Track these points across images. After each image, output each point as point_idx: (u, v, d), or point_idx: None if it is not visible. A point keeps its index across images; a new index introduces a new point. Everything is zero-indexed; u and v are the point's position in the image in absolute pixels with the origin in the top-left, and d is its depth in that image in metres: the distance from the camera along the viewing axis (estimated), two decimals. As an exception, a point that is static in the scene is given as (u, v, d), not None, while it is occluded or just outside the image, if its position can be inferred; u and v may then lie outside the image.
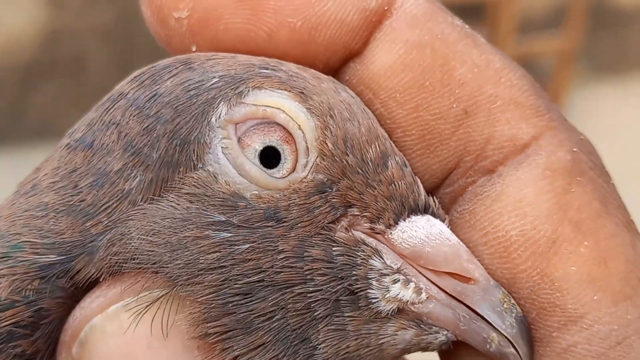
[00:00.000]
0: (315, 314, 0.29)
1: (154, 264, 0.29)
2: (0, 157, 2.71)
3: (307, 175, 0.30)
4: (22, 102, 2.87)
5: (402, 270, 0.30)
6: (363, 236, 0.30)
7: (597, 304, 0.29)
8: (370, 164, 0.31)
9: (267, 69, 0.31)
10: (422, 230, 0.31)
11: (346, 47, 0.32)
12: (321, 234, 0.30)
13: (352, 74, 0.33)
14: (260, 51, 0.32)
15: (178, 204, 0.29)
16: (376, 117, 0.32)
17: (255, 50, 0.32)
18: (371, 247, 0.30)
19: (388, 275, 0.30)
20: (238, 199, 0.29)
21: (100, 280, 0.30)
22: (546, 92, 0.32)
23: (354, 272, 0.30)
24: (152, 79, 0.31)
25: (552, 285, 0.29)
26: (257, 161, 0.30)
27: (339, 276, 0.30)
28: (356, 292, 0.30)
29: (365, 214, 0.31)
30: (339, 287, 0.30)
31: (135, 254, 0.29)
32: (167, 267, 0.29)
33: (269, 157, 0.30)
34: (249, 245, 0.29)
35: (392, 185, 0.31)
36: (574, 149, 0.31)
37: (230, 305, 0.29)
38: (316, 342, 0.30)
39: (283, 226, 0.29)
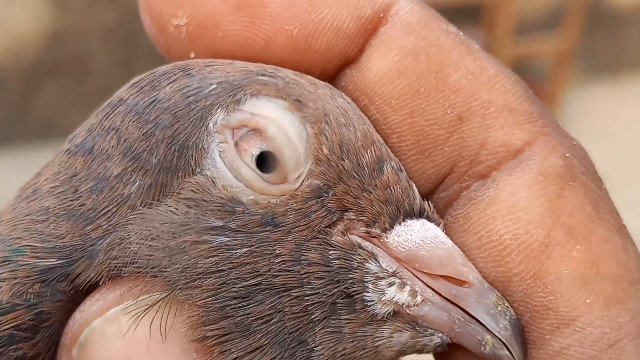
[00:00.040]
0: (312, 316, 0.30)
1: (153, 268, 0.29)
2: (4, 157, 2.70)
3: (300, 185, 0.30)
4: (25, 102, 2.86)
5: (398, 273, 0.30)
6: (359, 240, 0.31)
7: (589, 307, 0.29)
8: (366, 168, 0.31)
9: (264, 75, 0.31)
10: (417, 234, 0.31)
11: (342, 54, 0.32)
12: (318, 238, 0.30)
13: (348, 80, 0.33)
14: (258, 58, 0.32)
15: (177, 209, 0.30)
16: (372, 123, 0.32)
17: (253, 56, 0.32)
18: (367, 250, 0.31)
19: (384, 278, 0.30)
20: (236, 204, 0.30)
21: (100, 283, 0.30)
22: (543, 93, 0.33)
23: (350, 276, 0.30)
24: (151, 85, 0.31)
25: (545, 289, 0.29)
26: (253, 165, 0.30)
27: (336, 279, 0.30)
28: (352, 295, 0.30)
29: (361, 218, 0.31)
30: (335, 290, 0.30)
31: (135, 258, 0.29)
32: (166, 271, 0.29)
33: (267, 162, 0.30)
34: (246, 249, 0.29)
35: (388, 189, 0.31)
36: (567, 155, 0.31)
37: (228, 308, 0.29)
38: (313, 345, 0.30)
39: (280, 230, 0.30)
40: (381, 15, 0.32)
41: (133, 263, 0.29)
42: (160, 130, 0.30)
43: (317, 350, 0.30)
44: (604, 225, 0.30)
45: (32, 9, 2.80)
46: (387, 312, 0.30)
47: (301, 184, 0.30)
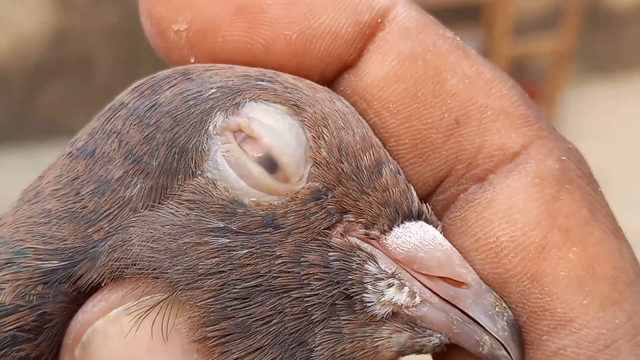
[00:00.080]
0: (312, 317, 0.30)
1: (154, 269, 0.29)
2: (8, 156, 2.70)
3: (301, 187, 0.30)
4: (29, 101, 2.86)
5: (397, 274, 0.31)
6: (358, 242, 0.31)
7: (585, 308, 0.29)
8: (365, 171, 0.31)
9: (263, 80, 0.31)
10: (415, 236, 0.31)
11: (340, 59, 0.33)
12: (317, 240, 0.30)
13: (347, 84, 0.33)
14: (257, 62, 0.33)
15: (177, 211, 0.30)
16: (370, 127, 0.32)
17: (252, 61, 0.33)
18: (366, 252, 0.31)
19: (383, 279, 0.31)
20: (237, 206, 0.30)
21: (102, 285, 0.30)
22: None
23: (349, 277, 0.30)
24: (152, 89, 0.32)
25: (542, 290, 0.30)
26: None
27: (335, 281, 0.30)
28: (352, 296, 0.30)
29: (360, 220, 0.31)
30: (335, 291, 0.30)
31: (136, 260, 0.29)
32: (167, 272, 0.29)
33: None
34: (247, 250, 0.29)
35: (387, 192, 0.31)
36: (563, 158, 0.31)
37: (229, 309, 0.29)
38: (313, 345, 0.30)
39: (280, 232, 0.30)
40: (379, 21, 0.32)
41: (135, 264, 0.29)
42: (161, 133, 0.31)
43: (317, 351, 0.30)
44: (600, 228, 0.30)
45: (36, 8, 2.80)
46: (386, 312, 0.31)
47: (302, 186, 0.30)
